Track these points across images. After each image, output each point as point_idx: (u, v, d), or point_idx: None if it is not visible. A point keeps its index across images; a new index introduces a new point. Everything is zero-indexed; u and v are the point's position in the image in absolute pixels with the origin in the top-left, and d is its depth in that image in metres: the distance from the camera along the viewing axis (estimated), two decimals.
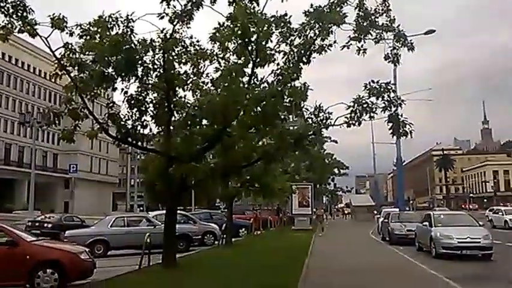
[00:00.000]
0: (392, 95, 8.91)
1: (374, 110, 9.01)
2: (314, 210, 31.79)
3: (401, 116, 8.97)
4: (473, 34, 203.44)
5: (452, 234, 13.98)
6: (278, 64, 9.28)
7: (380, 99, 8.93)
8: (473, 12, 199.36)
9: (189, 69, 9.92)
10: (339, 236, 24.98)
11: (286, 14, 8.67)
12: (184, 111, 9.01)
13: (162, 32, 9.18)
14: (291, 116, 9.15)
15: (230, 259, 13.61)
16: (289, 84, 8.28)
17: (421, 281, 10.46)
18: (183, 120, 8.81)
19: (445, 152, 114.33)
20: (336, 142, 36.42)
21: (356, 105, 8.96)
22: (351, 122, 9.17)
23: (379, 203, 59.92)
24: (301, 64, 9.26)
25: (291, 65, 9.17)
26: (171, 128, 9.66)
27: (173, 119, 9.36)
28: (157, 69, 9.59)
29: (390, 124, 9.00)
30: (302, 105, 8.35)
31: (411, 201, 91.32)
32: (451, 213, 20.39)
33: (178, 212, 16.06)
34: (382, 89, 8.89)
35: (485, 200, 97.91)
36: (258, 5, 8.44)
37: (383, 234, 22.84)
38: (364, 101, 8.91)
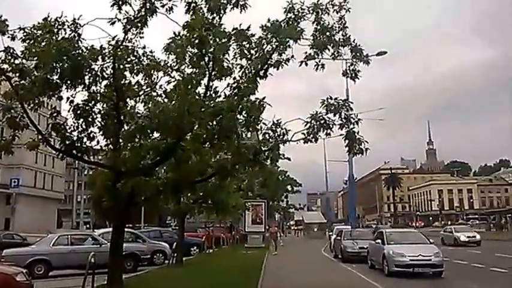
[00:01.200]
0: (349, 112, 8.86)
1: (331, 126, 8.91)
2: (267, 227, 31.55)
3: (358, 133, 8.92)
4: (421, 57, 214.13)
5: (404, 252, 14.11)
6: (234, 78, 9.02)
7: (337, 116, 8.85)
8: (421, 35, 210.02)
9: (142, 80, 9.46)
10: (292, 254, 24.78)
11: (248, 28, 8.45)
12: (134, 122, 8.47)
13: (113, 39, 8.68)
14: (248, 132, 8.90)
15: (180, 279, 13.01)
16: (246, 98, 8.00)
17: None
18: (133, 130, 8.25)
19: (392, 171, 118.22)
20: (289, 159, 36.47)
21: (313, 121, 8.83)
22: (307, 138, 9.01)
23: (331, 220, 60.60)
24: (257, 78, 9.06)
25: (248, 79, 8.95)
26: (120, 140, 9.09)
27: (122, 130, 8.79)
28: (107, 78, 9.04)
29: (347, 141, 8.93)
30: (260, 119, 8.09)
31: (360, 219, 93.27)
32: (403, 231, 20.73)
33: (126, 229, 15.31)
34: (339, 106, 8.81)
35: (430, 218, 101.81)
36: (218, 15, 8.17)
37: (335, 252, 22.90)
38: (321, 117, 8.79)
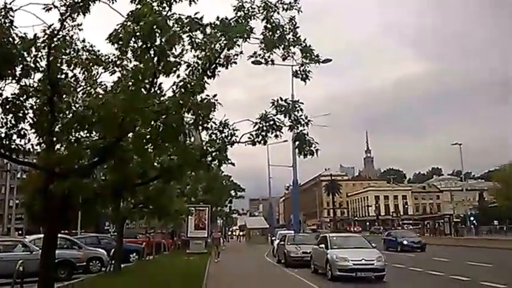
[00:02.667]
0: (299, 113, 8.70)
1: (280, 128, 8.72)
2: (211, 232, 31.05)
3: (307, 135, 8.80)
4: (361, 68, 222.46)
5: (347, 256, 14.25)
6: (178, 76, 8.55)
7: (287, 117, 8.68)
8: (362, 48, 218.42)
9: (80, 74, 8.75)
10: (235, 260, 24.46)
11: (202, 18, 8.03)
12: (71, 112, 7.74)
13: (49, 27, 7.96)
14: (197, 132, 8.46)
15: None
16: (194, 96, 7.59)
17: None
18: (70, 121, 7.52)
19: (332, 177, 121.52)
20: (233, 165, 36.20)
21: (262, 122, 8.59)
22: (256, 139, 8.76)
23: (273, 225, 60.92)
24: (205, 77, 8.70)
25: (195, 77, 8.55)
26: (54, 139, 8.32)
27: (58, 126, 8.02)
28: (41, 71, 8.27)
29: (297, 143, 8.78)
30: (210, 118, 7.69)
31: (301, 224, 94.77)
32: (346, 236, 21.08)
33: (61, 235, 14.31)
34: (289, 107, 8.63)
35: (367, 223, 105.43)
36: (168, 6, 7.69)
37: (279, 257, 22.87)
38: (271, 118, 8.57)
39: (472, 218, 58.42)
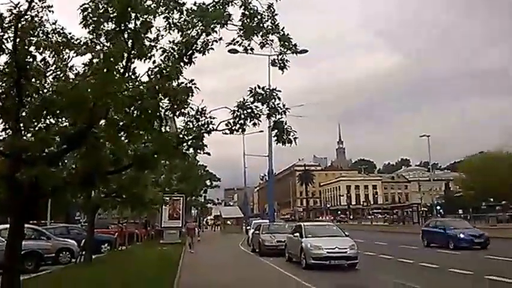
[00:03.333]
0: (277, 101, 8.58)
1: (258, 116, 8.58)
2: (185, 223, 30.80)
3: (286, 123, 8.70)
4: (335, 60, 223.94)
5: (321, 244, 14.34)
6: (154, 62, 8.27)
7: (265, 105, 8.55)
8: (336, 40, 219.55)
9: (50, 57, 8.35)
10: (210, 250, 24.34)
11: None
12: (40, 96, 7.36)
13: (15, 7, 7.53)
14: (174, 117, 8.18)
15: (87, 280, 11.93)
16: (170, 81, 7.33)
17: None
18: (39, 105, 7.13)
19: (306, 167, 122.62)
20: (209, 154, 35.92)
21: (240, 110, 8.43)
22: (233, 128, 8.60)
23: (247, 215, 61.08)
24: (181, 64, 8.46)
25: (171, 63, 8.29)
26: (22, 124, 7.92)
27: (25, 110, 7.61)
28: (7, 53, 7.84)
29: (275, 131, 8.67)
30: (187, 103, 7.45)
31: (276, 213, 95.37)
32: (320, 224, 21.21)
33: (28, 226, 13.82)
34: (267, 95, 8.50)
35: (339, 212, 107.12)
36: None
37: (253, 246, 22.89)
38: (248, 106, 8.42)
39: (438, 207, 59.98)
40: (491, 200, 57.97)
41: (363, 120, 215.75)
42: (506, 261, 15.71)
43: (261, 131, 37.17)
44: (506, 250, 18.84)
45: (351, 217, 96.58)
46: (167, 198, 28.09)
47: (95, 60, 7.24)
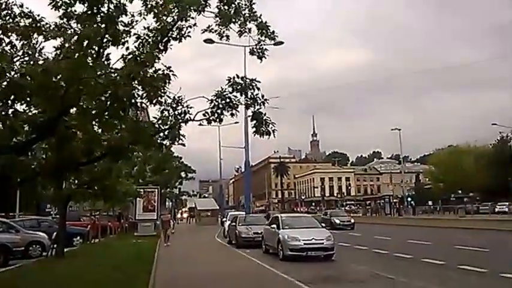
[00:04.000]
0: (256, 92, 8.42)
1: (236, 106, 8.41)
2: (160, 215, 30.37)
3: (265, 114, 8.56)
4: (310, 54, 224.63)
5: (298, 236, 14.33)
6: (128, 48, 7.95)
7: (243, 95, 8.38)
8: (311, 34, 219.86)
9: (17, 41, 7.93)
10: (185, 242, 24.05)
11: None
12: (6, 79, 6.94)
13: None
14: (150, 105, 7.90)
15: (58, 273, 11.54)
16: (146, 68, 7.04)
17: (275, 286, 10.23)
18: (3, 92, 6.71)
19: (281, 159, 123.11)
20: (184, 145, 35.57)
21: (218, 99, 8.24)
22: (211, 117, 8.40)
23: (223, 206, 60.94)
24: (157, 51, 8.19)
25: (146, 50, 8.01)
26: None
27: None
28: None
29: (254, 122, 8.52)
30: (164, 91, 7.17)
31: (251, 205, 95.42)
32: (297, 216, 21.25)
33: None
34: (246, 85, 8.32)
35: (313, 204, 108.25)
36: None
37: (229, 238, 22.78)
38: (227, 96, 8.24)
39: (409, 199, 61.35)
40: (460, 192, 59.62)
41: (337, 113, 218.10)
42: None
43: (237, 122, 36.41)
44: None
45: (324, 208, 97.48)
46: (141, 190, 27.66)
47: (67, 45, 6.91)
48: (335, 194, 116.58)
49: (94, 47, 6.99)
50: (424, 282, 9.86)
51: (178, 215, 71.92)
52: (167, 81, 7.03)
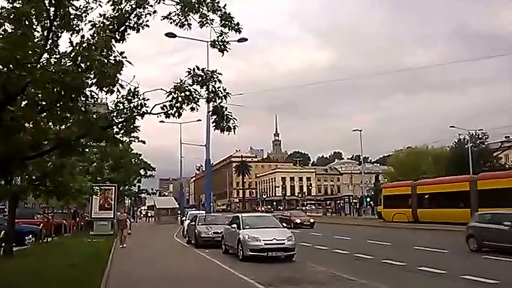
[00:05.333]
0: (218, 85, 8.06)
1: (197, 100, 8.01)
2: (118, 213, 29.42)
3: (226, 109, 8.21)
4: (272, 54, 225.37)
5: (259, 236, 14.07)
6: (83, 37, 7.41)
7: (204, 88, 8.00)
8: (270, 33, 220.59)
9: None
10: (143, 242, 23.32)
11: None
12: None
13: None
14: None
15: (6, 275, 10.81)
16: (98, 57, 6.51)
17: None
18: None
19: (243, 159, 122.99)
20: (144, 142, 34.69)
21: (177, 92, 7.81)
22: (170, 111, 7.97)
23: (183, 205, 60.02)
24: (113, 41, 7.68)
25: (101, 39, 7.48)
26: None
27: None
28: None
29: (214, 117, 8.16)
30: (117, 78, 6.64)
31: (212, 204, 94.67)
32: (258, 216, 20.99)
33: None
34: (207, 77, 7.94)
35: (274, 203, 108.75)
36: None
37: (189, 237, 22.29)
38: (187, 89, 7.83)
39: (368, 199, 62.51)
40: None
41: (299, 113, 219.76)
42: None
43: (199, 120, 35.73)
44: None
45: (281, 208, 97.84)
46: (97, 188, 26.73)
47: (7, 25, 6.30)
48: (296, 194, 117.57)
49: (37, 28, 6.39)
50: (385, 285, 9.81)
51: (137, 214, 70.21)
52: (120, 68, 6.51)
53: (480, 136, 56.20)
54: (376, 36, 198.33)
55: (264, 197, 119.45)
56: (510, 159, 63.40)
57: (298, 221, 34.32)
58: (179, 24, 8.26)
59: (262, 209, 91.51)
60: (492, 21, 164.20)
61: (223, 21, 8.32)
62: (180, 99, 7.80)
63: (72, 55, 6.16)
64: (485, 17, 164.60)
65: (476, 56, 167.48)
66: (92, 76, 6.35)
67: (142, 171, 43.93)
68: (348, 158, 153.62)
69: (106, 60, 6.21)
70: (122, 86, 6.77)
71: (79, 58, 6.02)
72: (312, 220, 35.72)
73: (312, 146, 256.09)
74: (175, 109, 7.96)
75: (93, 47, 6.92)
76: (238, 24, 8.27)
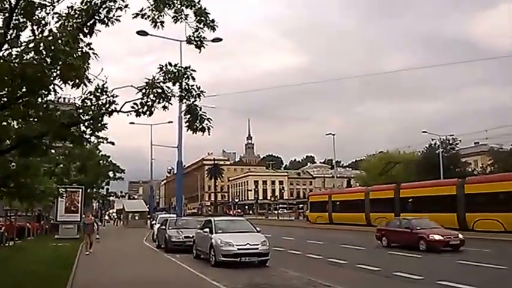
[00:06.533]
0: (191, 82, 7.69)
1: (169, 98, 7.61)
2: (83, 217, 28.43)
3: (200, 109, 7.84)
4: (245, 56, 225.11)
5: (232, 241, 13.69)
6: (51, 31, 6.93)
7: (177, 85, 7.61)
8: (246, 35, 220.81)
9: None
10: (110, 246, 22.53)
11: None
12: None
13: None
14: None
15: None
16: (63, 48, 6.04)
17: None
18: None
19: (215, 162, 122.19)
20: (113, 144, 33.74)
21: (149, 89, 7.40)
22: (140, 109, 7.55)
23: (153, 208, 58.93)
24: (81, 35, 7.22)
25: (67, 33, 7.01)
26: None
27: None
28: None
29: (187, 116, 7.77)
30: (85, 70, 6.17)
31: (183, 207, 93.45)
32: (231, 219, 20.58)
33: None
34: (180, 74, 7.56)
35: (246, 207, 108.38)
36: None
37: (159, 242, 21.69)
38: (159, 85, 7.42)
39: None
40: None
41: (272, 116, 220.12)
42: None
43: (171, 122, 35.00)
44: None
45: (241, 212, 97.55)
46: (63, 190, 25.82)
47: None
48: (268, 198, 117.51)
49: None
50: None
51: (106, 217, 68.46)
52: (87, 60, 6.06)
53: (451, 142, 57.40)
54: (351, 41, 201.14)
55: (236, 200, 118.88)
56: (479, 165, 65.02)
57: (435, 237, 17.95)
58: (152, 20, 7.87)
59: (234, 212, 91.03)
60: (467, 28, 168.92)
61: (198, 17, 7.97)
62: (151, 96, 7.41)
63: (34, 44, 5.66)
64: (460, 23, 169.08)
65: (450, 62, 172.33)
66: (56, 69, 5.87)
67: (111, 174, 42.76)
68: (320, 162, 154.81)
69: (71, 51, 5.73)
70: (89, 79, 6.30)
71: (41, 46, 5.53)
72: (461, 236, 18.57)
73: (284, 150, 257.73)
74: (146, 107, 7.56)
75: (59, 39, 6.48)
76: (213, 21, 7.92)
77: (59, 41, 5.87)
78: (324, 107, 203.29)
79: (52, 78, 5.99)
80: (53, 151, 24.53)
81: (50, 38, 6.65)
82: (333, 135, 57.73)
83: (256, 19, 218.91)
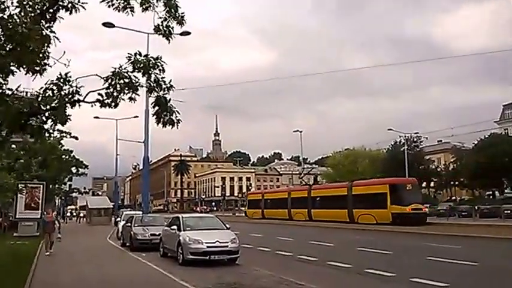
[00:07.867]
0: (161, 74, 7.30)
1: (136, 88, 7.20)
2: (44, 214, 27.30)
3: (169, 101, 7.47)
4: (212, 53, 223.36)
5: (201, 238, 13.32)
6: (11, 16, 6.38)
7: (146, 76, 7.20)
8: (211, 33, 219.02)
9: None
10: (72, 244, 21.63)
11: None
12: None
13: None
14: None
15: None
16: (20, 30, 5.54)
17: None
18: None
19: (182, 158, 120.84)
20: (77, 138, 32.67)
21: (116, 79, 6.97)
22: (106, 100, 7.11)
23: (118, 205, 57.54)
24: (43, 21, 6.70)
25: (28, 19, 6.49)
26: None
27: None
28: None
29: (156, 108, 7.39)
30: (45, 53, 5.67)
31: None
32: (200, 216, 20.16)
33: None
34: (149, 64, 7.16)
35: (213, 203, 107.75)
36: None
37: (123, 240, 21.04)
38: (126, 75, 7.00)
39: None
40: None
41: (239, 113, 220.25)
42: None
43: (136, 116, 34.18)
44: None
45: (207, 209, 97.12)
46: (22, 186, 24.73)
47: None
48: (236, 194, 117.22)
49: None
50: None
51: (68, 214, 66.40)
52: (47, 43, 5.58)
53: (415, 139, 58.74)
54: (319, 39, 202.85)
55: (203, 197, 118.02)
56: (442, 162, 66.95)
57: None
58: (120, 7, 7.41)
59: (200, 209, 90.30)
60: (429, 28, 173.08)
61: (167, 8, 7.56)
62: (118, 86, 6.98)
63: None
64: (422, 23, 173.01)
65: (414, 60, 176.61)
66: (12, 52, 5.37)
67: (74, 169, 41.45)
68: (287, 159, 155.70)
69: (30, 33, 5.25)
70: (49, 65, 5.81)
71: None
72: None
73: (252, 146, 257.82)
74: (112, 98, 7.14)
75: (17, 21, 5.96)
76: (183, 17, 7.55)
77: (17, 21, 5.34)
78: (292, 105, 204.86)
79: (8, 64, 5.48)
80: (14, 146, 23.38)
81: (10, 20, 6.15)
82: (300, 132, 58.20)
83: (225, 16, 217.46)
